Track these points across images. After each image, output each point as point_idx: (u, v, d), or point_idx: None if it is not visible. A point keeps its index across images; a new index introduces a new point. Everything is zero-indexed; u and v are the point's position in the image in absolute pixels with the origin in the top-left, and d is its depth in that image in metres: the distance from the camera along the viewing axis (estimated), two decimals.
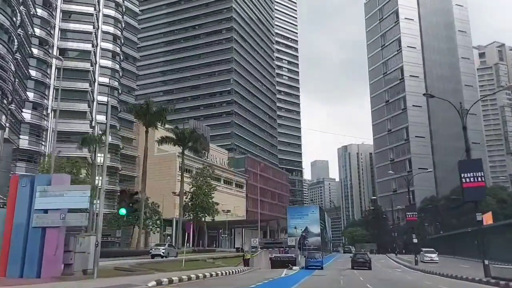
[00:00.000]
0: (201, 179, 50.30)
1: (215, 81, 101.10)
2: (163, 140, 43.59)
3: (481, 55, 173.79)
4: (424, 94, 55.29)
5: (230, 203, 79.51)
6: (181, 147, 42.99)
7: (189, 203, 48.39)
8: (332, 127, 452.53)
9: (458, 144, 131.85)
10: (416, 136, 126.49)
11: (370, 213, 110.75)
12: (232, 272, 23.74)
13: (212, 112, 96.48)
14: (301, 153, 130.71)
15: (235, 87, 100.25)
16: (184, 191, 46.71)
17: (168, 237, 65.66)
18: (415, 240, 38.55)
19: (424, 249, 42.79)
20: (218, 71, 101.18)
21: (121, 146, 54.74)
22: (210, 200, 48.77)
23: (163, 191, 64.33)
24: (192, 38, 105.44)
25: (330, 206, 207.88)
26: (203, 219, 50.57)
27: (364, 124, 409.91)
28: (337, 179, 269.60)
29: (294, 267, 30.69)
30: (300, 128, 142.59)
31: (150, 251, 34.85)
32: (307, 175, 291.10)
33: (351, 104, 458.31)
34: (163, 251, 34.05)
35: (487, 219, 60.10)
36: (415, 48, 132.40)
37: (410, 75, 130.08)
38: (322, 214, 60.14)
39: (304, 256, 33.90)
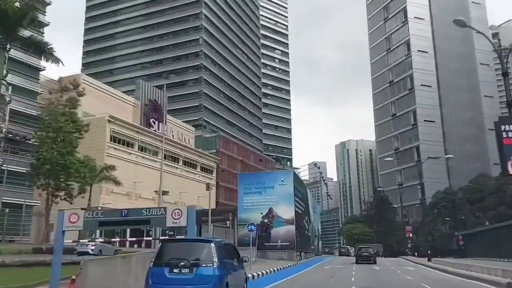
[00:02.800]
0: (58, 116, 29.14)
1: (180, 41, 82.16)
2: None
3: (494, 35, 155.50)
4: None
5: (193, 190, 61.56)
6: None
7: (39, 159, 28.23)
8: (330, 129, 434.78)
9: (473, 130, 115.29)
10: (425, 121, 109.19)
11: (373, 205, 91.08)
12: None
13: (176, 81, 77.74)
14: (291, 139, 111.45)
15: (206, 49, 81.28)
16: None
17: (93, 234, 47.17)
18: None
19: None
20: (183, 29, 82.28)
21: (7, 98, 35.84)
22: (74, 153, 28.70)
23: None
24: None
25: (328, 200, 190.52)
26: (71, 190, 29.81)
27: (364, 126, 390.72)
28: (335, 179, 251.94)
29: None
30: (290, 110, 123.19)
31: (76, 247, 27.86)
32: (304, 175, 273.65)
33: (350, 106, 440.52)
34: (93, 248, 27.55)
35: None
36: (423, 19, 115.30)
37: (417, 50, 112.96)
38: (301, 189, 39.66)
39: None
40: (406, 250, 61.71)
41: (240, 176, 37.13)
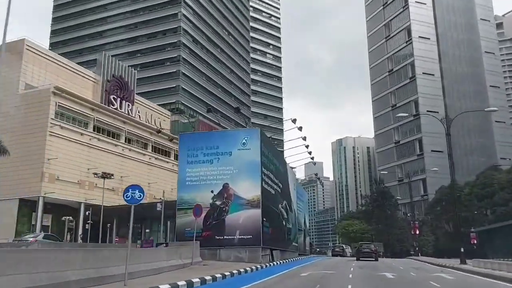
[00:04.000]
0: None
1: (157, 17, 73.72)
2: None
3: (498, 25, 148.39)
4: None
5: (164, 181, 53.57)
6: None
7: None
8: (326, 131, 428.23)
9: (477, 122, 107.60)
10: (428, 111, 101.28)
11: (372, 199, 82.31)
12: None
13: (152, 60, 69.06)
14: (282, 129, 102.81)
15: (185, 25, 72.77)
16: None
17: (40, 229, 39.69)
18: None
19: None
20: (160, 4, 73.80)
21: None
22: None
23: (27, 152, 38.13)
24: None
25: (323, 193, 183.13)
26: None
27: (360, 127, 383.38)
28: (332, 178, 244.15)
29: None
30: (281, 98, 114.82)
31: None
32: (300, 175, 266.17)
33: (346, 107, 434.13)
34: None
35: None
36: (425, 4, 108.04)
37: (419, 36, 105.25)
38: (275, 160, 28.73)
39: None
40: (415, 249, 52.78)
41: (181, 137, 25.84)
